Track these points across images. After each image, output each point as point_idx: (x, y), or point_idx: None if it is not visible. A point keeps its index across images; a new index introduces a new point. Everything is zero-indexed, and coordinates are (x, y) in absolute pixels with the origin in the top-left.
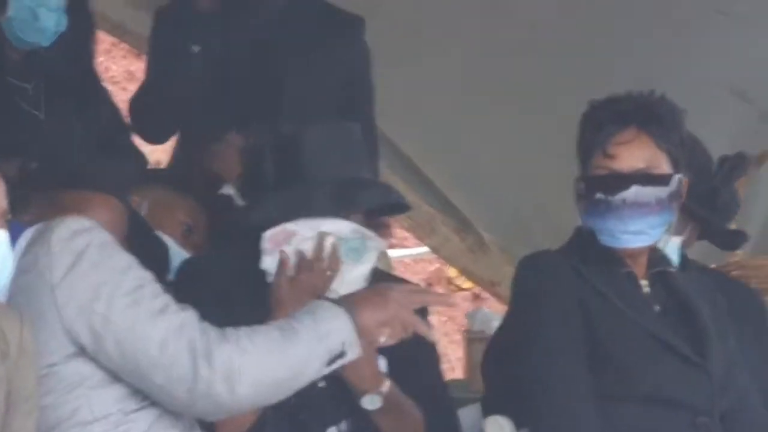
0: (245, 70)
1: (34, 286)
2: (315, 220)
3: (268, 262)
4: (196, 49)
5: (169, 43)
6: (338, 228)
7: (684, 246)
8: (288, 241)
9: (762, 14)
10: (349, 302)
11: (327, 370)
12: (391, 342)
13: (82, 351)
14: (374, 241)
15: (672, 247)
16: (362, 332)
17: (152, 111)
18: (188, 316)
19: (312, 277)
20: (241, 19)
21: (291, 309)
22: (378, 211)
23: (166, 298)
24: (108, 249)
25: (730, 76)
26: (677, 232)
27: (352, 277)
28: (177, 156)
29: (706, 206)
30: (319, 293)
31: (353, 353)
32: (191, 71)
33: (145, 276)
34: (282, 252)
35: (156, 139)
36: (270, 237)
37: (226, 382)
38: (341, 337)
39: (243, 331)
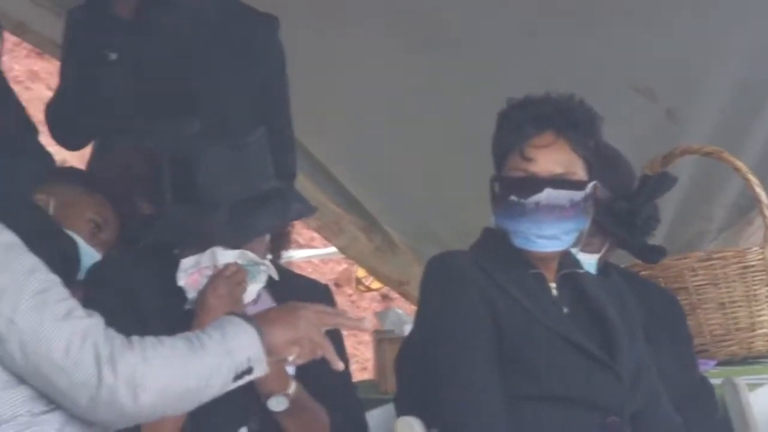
0: (162, 75)
1: None
2: (214, 254)
3: (190, 294)
4: (113, 56)
5: (84, 48)
6: (234, 257)
7: (603, 258)
8: (202, 275)
9: (664, 12)
10: (259, 319)
11: (233, 386)
12: (300, 361)
13: None
14: (265, 266)
15: (589, 266)
16: (271, 350)
17: (69, 118)
18: (94, 322)
19: (228, 285)
20: (157, 24)
21: (214, 315)
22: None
23: (72, 302)
24: (14, 250)
25: (633, 74)
26: (595, 250)
27: (246, 293)
28: (93, 163)
29: (625, 225)
30: (237, 300)
31: (260, 370)
32: (109, 79)
33: (51, 279)
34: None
35: (73, 145)
36: (187, 281)
37: (130, 390)
38: (248, 353)
39: (149, 341)
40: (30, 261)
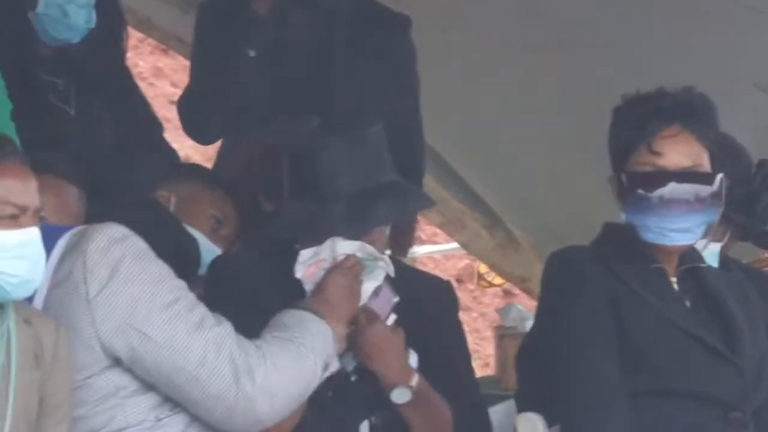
0: (297, 73)
1: (68, 300)
2: (334, 245)
3: (307, 286)
4: (252, 53)
5: (219, 43)
6: (353, 249)
7: (724, 250)
8: (320, 267)
9: None
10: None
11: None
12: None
13: (117, 363)
14: (384, 263)
15: (712, 255)
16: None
17: (203, 112)
18: (225, 330)
19: (348, 277)
20: (294, 22)
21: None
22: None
23: (202, 310)
24: (143, 259)
25: (754, 71)
26: (717, 239)
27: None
28: (220, 158)
29: (744, 212)
30: (356, 293)
31: (333, 367)
32: (246, 75)
33: (179, 285)
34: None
35: (206, 139)
36: (305, 273)
37: (267, 397)
38: (329, 351)
39: (269, 346)
40: (158, 269)
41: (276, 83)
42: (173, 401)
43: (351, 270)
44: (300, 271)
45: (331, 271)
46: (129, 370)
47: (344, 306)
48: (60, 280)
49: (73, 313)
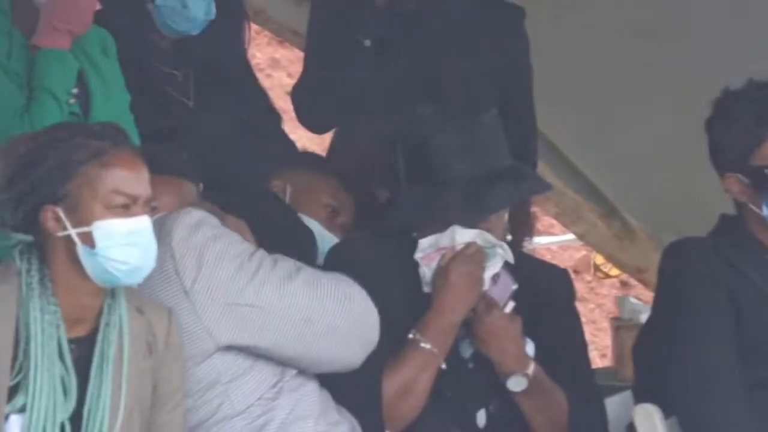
0: (413, 63)
1: (163, 294)
2: (453, 234)
3: (425, 273)
4: (368, 42)
5: (335, 33)
6: (472, 237)
7: None
8: (440, 255)
9: None
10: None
11: None
12: None
13: (223, 347)
14: (502, 250)
15: None
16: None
17: (317, 101)
18: (308, 270)
19: (469, 264)
20: (410, 12)
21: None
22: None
23: (282, 263)
24: (221, 237)
25: None
26: None
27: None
28: (334, 148)
29: None
30: (478, 279)
31: None
32: (362, 65)
33: (254, 250)
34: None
35: (320, 128)
36: (423, 257)
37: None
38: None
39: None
40: (235, 242)
41: (390, 72)
42: (276, 381)
43: (473, 257)
44: (418, 256)
45: (453, 258)
46: (236, 349)
47: (466, 293)
48: (149, 275)
49: (171, 305)
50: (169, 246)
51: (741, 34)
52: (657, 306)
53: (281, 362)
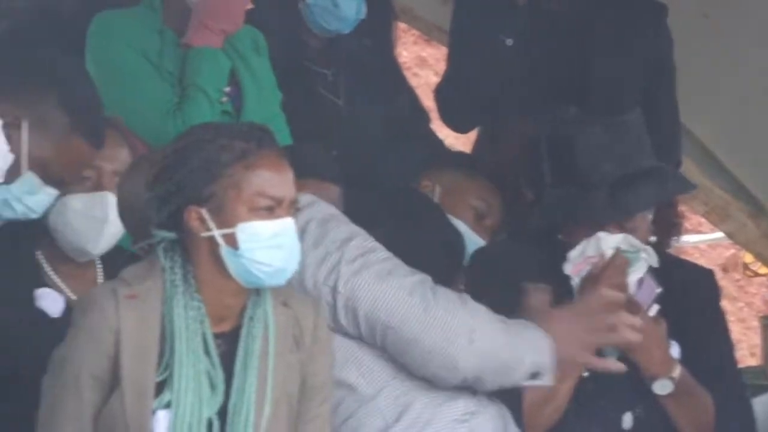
0: (555, 62)
1: None
2: (599, 241)
3: (576, 284)
4: (509, 42)
5: (477, 32)
6: (618, 242)
7: None
8: (588, 263)
9: None
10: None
11: (524, 382)
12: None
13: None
14: (646, 254)
15: None
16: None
17: (460, 101)
18: (421, 278)
19: (613, 275)
20: (550, 10)
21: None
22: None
23: (396, 261)
24: (329, 222)
25: None
26: None
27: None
28: (479, 147)
29: None
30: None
31: (547, 380)
32: (504, 64)
33: (371, 246)
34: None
35: (462, 128)
36: (573, 269)
37: (467, 334)
38: (546, 359)
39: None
40: (347, 230)
41: (533, 71)
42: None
43: (619, 267)
44: (569, 269)
45: (600, 268)
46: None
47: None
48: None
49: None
50: None
51: None
52: None
53: None
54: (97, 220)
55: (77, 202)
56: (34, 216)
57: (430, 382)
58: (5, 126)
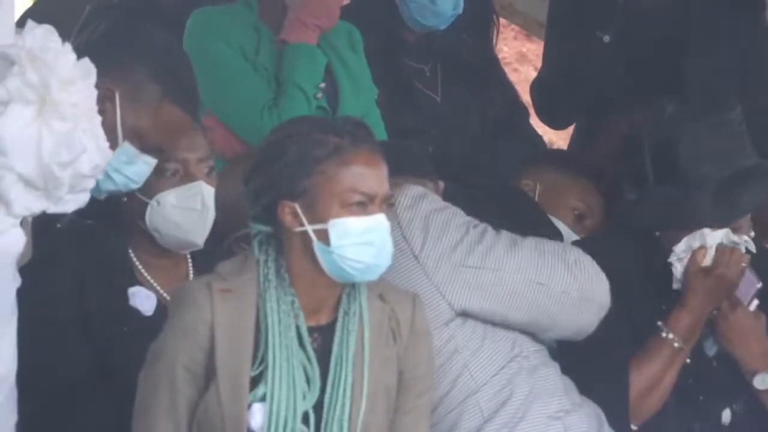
0: (652, 58)
1: (394, 261)
2: (704, 236)
3: (678, 270)
4: (606, 38)
5: (575, 29)
6: (720, 238)
7: None
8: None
9: None
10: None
11: None
12: None
13: (454, 314)
14: (747, 249)
15: None
16: None
17: (556, 97)
18: (538, 240)
19: (728, 270)
20: (648, 7)
21: (702, 299)
22: None
23: (511, 235)
24: (447, 209)
25: None
26: None
27: None
28: (575, 144)
29: None
30: (732, 285)
31: None
32: (601, 60)
33: (483, 226)
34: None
35: (558, 124)
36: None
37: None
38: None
39: None
40: (460, 215)
41: (630, 68)
42: (510, 345)
43: (733, 257)
44: (675, 265)
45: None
46: (472, 319)
47: (716, 292)
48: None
49: (404, 273)
50: (395, 214)
51: None
52: None
53: (516, 328)
54: (195, 211)
55: (171, 197)
56: (134, 186)
57: (540, 361)
58: (99, 99)
